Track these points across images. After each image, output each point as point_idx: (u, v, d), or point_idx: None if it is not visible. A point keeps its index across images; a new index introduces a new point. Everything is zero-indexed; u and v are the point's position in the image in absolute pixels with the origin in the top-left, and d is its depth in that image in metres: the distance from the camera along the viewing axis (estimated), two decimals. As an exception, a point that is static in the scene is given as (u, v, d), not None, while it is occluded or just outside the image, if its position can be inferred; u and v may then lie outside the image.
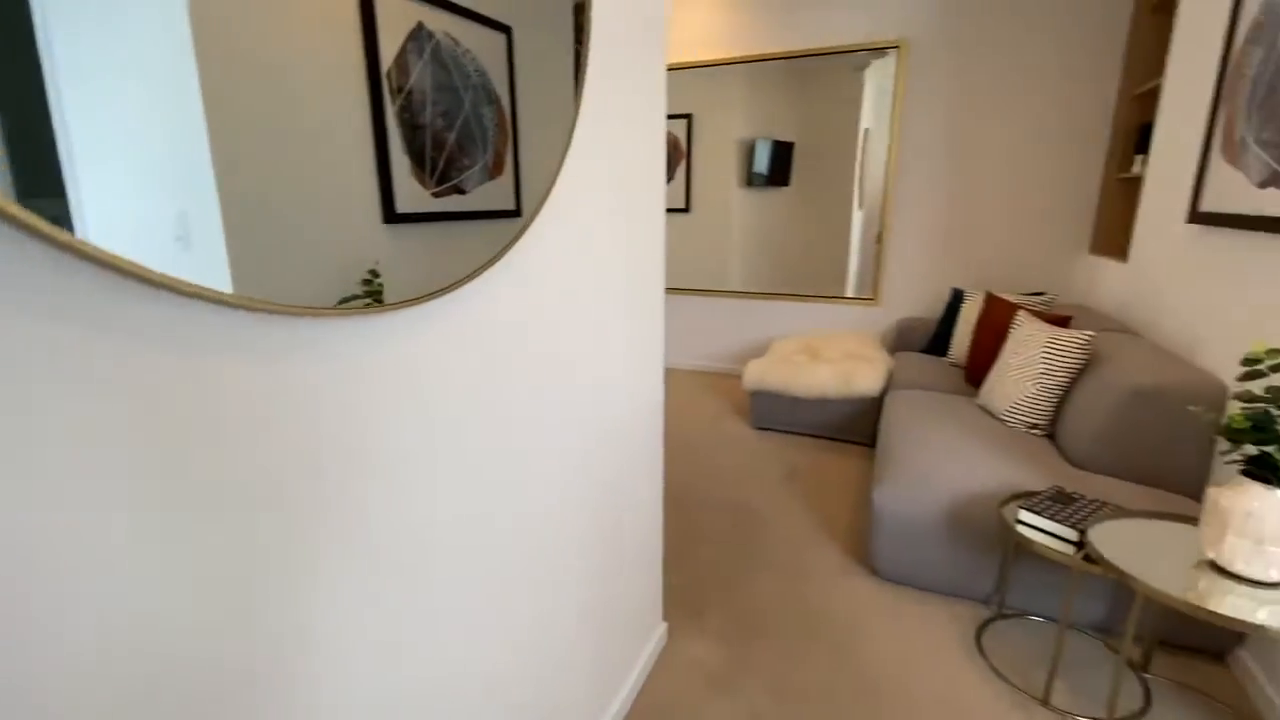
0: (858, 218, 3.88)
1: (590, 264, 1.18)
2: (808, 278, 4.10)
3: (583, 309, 1.17)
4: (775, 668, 1.64)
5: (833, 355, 3.30)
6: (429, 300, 0.76)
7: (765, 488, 2.68)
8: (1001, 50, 3.39)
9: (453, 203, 0.79)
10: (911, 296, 3.90)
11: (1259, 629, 1.10)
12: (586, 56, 1.04)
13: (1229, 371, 1.83)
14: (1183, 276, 2.20)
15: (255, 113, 0.54)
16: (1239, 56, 1.89)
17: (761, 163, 4.06)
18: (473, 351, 0.88)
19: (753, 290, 4.27)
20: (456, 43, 0.76)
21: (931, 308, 3.88)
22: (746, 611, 1.87)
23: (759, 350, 4.35)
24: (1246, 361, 1.19)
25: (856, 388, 3.00)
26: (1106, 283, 3.06)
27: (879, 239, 3.85)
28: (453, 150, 0.78)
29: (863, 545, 2.19)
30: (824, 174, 3.91)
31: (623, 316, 1.35)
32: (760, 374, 3.21)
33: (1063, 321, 2.51)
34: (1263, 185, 1.67)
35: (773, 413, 3.29)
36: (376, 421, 0.73)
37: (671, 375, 4.51)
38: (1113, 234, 3.30)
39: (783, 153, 4.00)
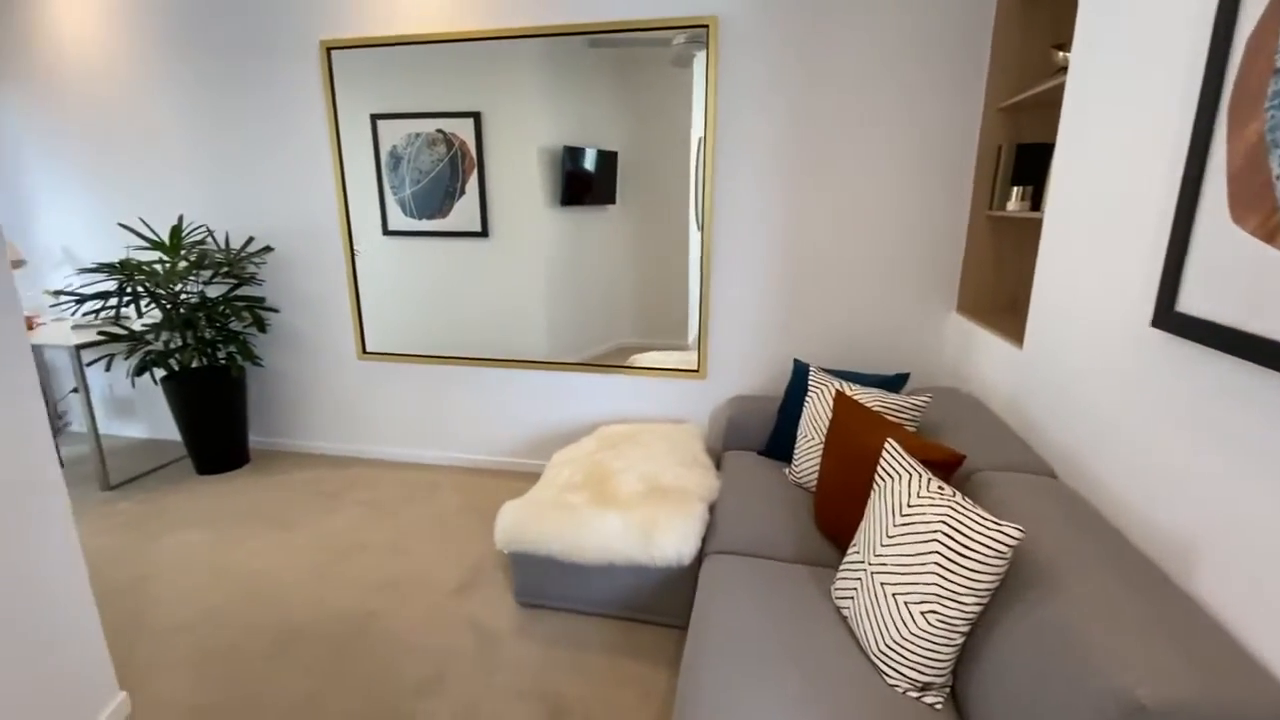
0: (696, 242, 2.85)
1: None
2: (645, 324, 3.01)
3: None
4: None
5: (631, 485, 2.18)
6: None
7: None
8: (834, 39, 2.48)
9: None
10: (746, 366, 2.93)
11: None
12: None
13: (1264, 633, 0.91)
14: (1148, 416, 1.30)
15: None
16: (1258, 44, 0.98)
17: (581, 175, 2.92)
18: None
19: (561, 361, 3.10)
20: None
21: (772, 382, 2.93)
22: None
23: (570, 433, 3.18)
24: None
25: (660, 551, 1.90)
26: (989, 366, 2.23)
27: (702, 283, 2.84)
28: None
29: None
30: (656, 192, 2.83)
31: None
32: (517, 528, 2.03)
33: (950, 465, 1.56)
34: None
35: (541, 582, 2.11)
36: None
37: (449, 476, 3.22)
38: (984, 291, 2.50)
39: (606, 164, 2.88)
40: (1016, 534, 1.16)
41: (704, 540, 1.98)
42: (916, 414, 1.98)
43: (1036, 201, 2.13)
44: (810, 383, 2.30)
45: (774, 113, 2.59)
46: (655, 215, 2.88)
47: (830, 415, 2.01)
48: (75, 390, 3.39)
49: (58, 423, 3.83)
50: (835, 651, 1.38)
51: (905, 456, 1.49)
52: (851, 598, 1.45)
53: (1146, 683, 0.89)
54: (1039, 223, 1.88)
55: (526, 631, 2.05)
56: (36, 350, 3.68)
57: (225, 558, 2.50)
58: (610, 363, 3.06)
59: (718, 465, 2.57)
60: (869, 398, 2.04)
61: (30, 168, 3.42)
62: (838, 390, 2.07)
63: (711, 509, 2.11)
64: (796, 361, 2.53)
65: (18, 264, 3.28)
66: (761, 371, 2.92)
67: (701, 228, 2.81)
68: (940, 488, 1.35)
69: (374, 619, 2.11)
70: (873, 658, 1.34)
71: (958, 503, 1.28)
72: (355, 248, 3.17)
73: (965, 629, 1.23)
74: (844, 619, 1.49)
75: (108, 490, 3.11)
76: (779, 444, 2.46)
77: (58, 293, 2.96)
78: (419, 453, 3.40)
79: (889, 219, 2.62)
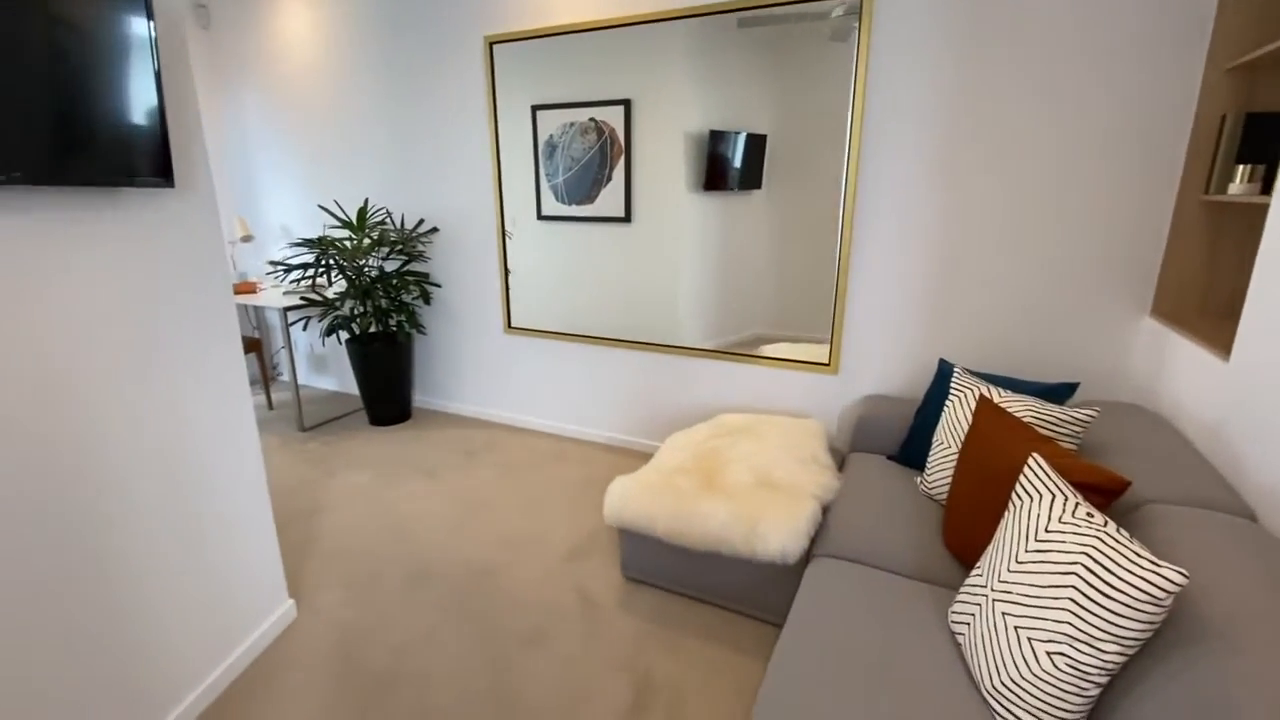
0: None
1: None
2: (784, 314, 2.93)
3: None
4: None
5: (740, 476, 2.13)
6: None
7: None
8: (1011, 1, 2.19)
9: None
10: (884, 363, 2.72)
11: None
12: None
13: None
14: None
15: None
16: None
17: (726, 160, 2.90)
18: None
19: (689, 347, 3.12)
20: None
21: (911, 383, 2.70)
22: None
23: (692, 418, 3.19)
24: None
25: (763, 544, 1.84)
26: (1183, 380, 1.86)
27: (839, 269, 2.68)
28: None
29: None
30: (807, 177, 2.72)
31: None
32: (623, 504, 2.07)
33: (1109, 490, 1.33)
34: None
35: (647, 560, 2.15)
36: None
37: (575, 448, 3.39)
38: (1191, 292, 2.09)
39: (754, 148, 2.84)
40: (1178, 579, 0.96)
41: (814, 541, 1.88)
42: (1078, 429, 1.71)
43: (1269, 183, 1.72)
44: (953, 385, 2.08)
45: (932, 84, 2.35)
46: (804, 201, 2.75)
47: (972, 425, 1.80)
48: (283, 347, 4.03)
49: (272, 372, 4.59)
50: (940, 681, 1.24)
51: (1051, 474, 1.30)
52: (968, 624, 1.30)
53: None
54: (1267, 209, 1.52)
55: (628, 604, 2.10)
56: (258, 311, 4.42)
57: (382, 498, 2.84)
58: (743, 351, 3.00)
59: (841, 466, 2.43)
60: (1020, 406, 1.80)
61: (260, 158, 4.10)
62: (981, 394, 1.85)
63: (826, 510, 2.00)
64: (942, 361, 2.30)
65: (247, 239, 3.96)
66: (901, 370, 2.70)
67: (844, 210, 2.64)
68: (1089, 515, 1.16)
69: (494, 571, 2.29)
70: (985, 694, 1.19)
71: (1108, 534, 1.09)
72: (508, 230, 3.41)
73: (1102, 680, 1.05)
74: (958, 647, 1.34)
75: (303, 431, 3.67)
76: (913, 450, 2.27)
77: (273, 263, 3.53)
78: (550, 423, 3.60)
79: (1069, 203, 2.27)
